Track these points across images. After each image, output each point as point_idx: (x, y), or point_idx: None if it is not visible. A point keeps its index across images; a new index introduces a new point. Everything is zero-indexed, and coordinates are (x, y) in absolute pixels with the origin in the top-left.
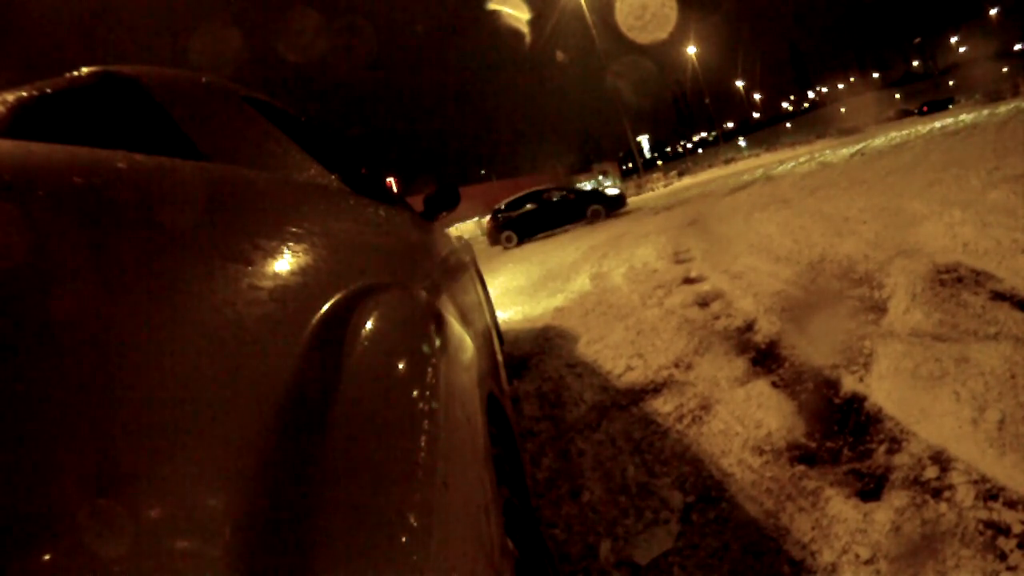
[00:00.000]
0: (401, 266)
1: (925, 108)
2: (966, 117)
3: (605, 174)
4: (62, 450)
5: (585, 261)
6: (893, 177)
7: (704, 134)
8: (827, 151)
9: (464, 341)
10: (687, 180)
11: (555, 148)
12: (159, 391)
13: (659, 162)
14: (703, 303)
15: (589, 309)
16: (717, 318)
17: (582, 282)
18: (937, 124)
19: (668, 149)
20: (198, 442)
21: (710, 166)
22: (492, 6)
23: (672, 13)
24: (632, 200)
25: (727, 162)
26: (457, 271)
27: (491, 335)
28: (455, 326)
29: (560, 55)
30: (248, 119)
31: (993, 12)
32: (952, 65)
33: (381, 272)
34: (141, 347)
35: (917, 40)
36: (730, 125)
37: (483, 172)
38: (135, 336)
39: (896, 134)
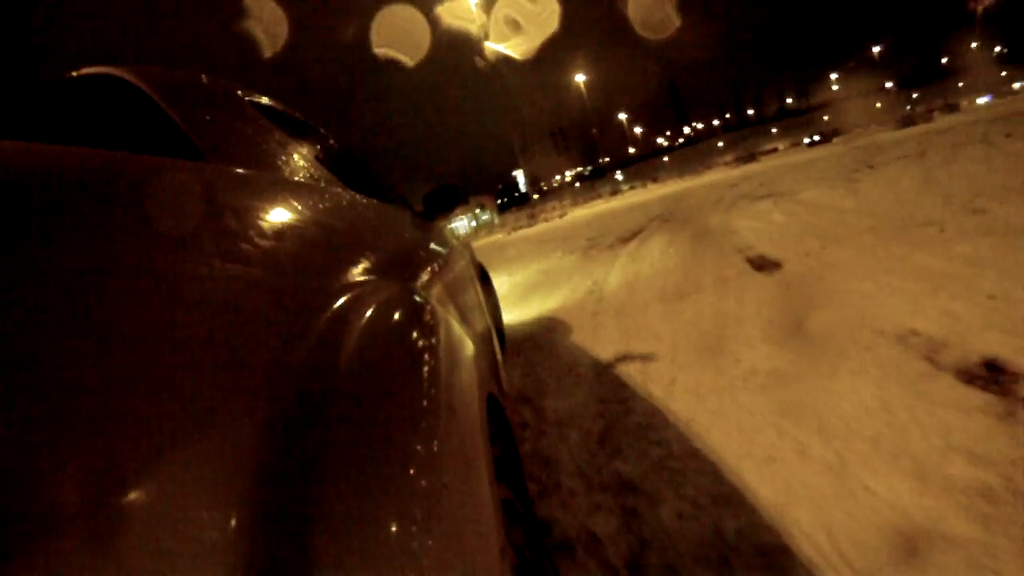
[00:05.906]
0: (400, 265)
1: (816, 138)
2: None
3: (483, 207)
4: (63, 450)
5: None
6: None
7: (579, 168)
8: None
9: (464, 341)
10: (582, 210)
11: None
12: (159, 390)
13: (535, 196)
14: None
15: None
16: None
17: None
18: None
19: (543, 185)
20: (197, 441)
21: (599, 196)
22: (377, 50)
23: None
24: (525, 232)
25: (613, 194)
26: (456, 270)
27: (491, 336)
28: (454, 326)
29: (479, 60)
30: (248, 119)
31: (876, 49)
32: (825, 102)
33: (380, 271)
34: (140, 346)
35: (793, 73)
36: (606, 159)
37: None
38: (134, 335)
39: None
